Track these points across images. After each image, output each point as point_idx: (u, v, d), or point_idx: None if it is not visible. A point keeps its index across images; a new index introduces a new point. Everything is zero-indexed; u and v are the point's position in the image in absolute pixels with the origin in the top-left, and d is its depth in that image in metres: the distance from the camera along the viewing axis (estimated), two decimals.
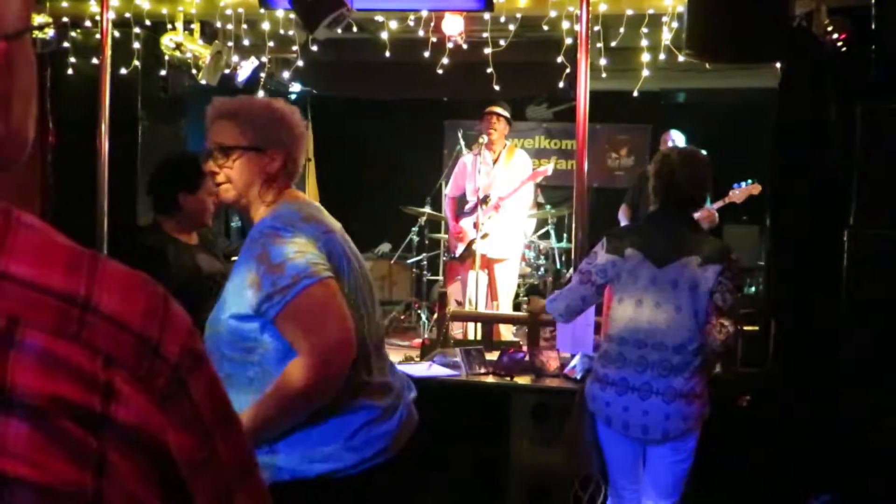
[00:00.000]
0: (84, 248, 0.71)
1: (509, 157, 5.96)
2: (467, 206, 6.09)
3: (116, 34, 5.19)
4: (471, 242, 5.87)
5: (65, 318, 0.65)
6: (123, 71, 5.31)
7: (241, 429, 0.79)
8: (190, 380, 0.71)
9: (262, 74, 5.91)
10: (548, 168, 5.88)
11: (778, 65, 4.45)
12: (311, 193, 8.98)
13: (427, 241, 7.42)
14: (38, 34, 4.57)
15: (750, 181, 5.51)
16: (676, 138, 5.85)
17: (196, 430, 0.72)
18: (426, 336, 6.38)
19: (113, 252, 4.41)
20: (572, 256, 4.97)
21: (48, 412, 0.62)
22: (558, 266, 7.10)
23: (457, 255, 6.06)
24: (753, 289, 6.37)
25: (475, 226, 5.71)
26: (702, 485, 3.13)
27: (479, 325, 5.33)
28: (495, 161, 5.90)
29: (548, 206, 7.25)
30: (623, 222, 5.97)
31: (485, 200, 5.76)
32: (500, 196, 5.81)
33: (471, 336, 5.47)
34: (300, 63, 5.63)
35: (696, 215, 5.53)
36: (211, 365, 0.75)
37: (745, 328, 4.67)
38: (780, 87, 4.36)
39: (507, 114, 5.91)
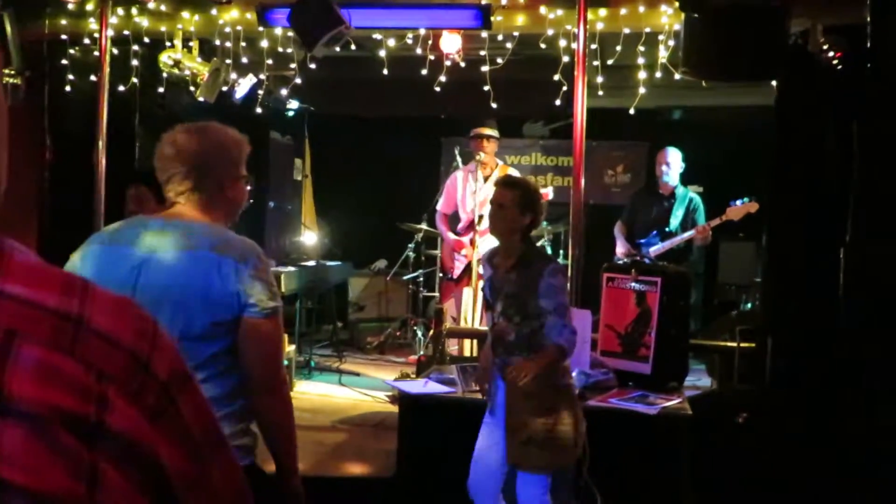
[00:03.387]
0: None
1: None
2: (459, 226, 6.08)
3: (115, 51, 5.21)
4: (467, 266, 5.86)
5: (59, 332, 0.66)
6: (121, 88, 5.33)
7: (231, 454, 0.81)
8: (180, 399, 0.72)
9: (260, 92, 5.93)
10: (548, 191, 5.82)
11: (774, 83, 4.47)
12: (308, 210, 8.99)
13: (423, 258, 7.41)
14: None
15: (747, 199, 5.51)
16: (672, 156, 5.86)
17: (188, 448, 0.73)
18: (422, 353, 6.37)
19: None
20: (569, 273, 4.97)
21: (45, 420, 0.63)
22: None
23: (454, 277, 6.04)
24: (750, 305, 6.37)
25: (472, 243, 5.70)
26: (700, 502, 3.12)
27: (474, 341, 5.32)
28: (486, 179, 5.89)
29: (544, 223, 7.25)
30: (619, 240, 5.97)
31: (480, 220, 5.73)
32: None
33: (466, 353, 5.46)
34: (298, 80, 5.65)
35: (691, 232, 5.63)
36: (199, 388, 0.76)
37: (742, 345, 4.67)
38: (777, 105, 4.38)
39: (495, 134, 5.91)
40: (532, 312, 3.08)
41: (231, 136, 2.06)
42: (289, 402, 2.08)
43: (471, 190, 5.87)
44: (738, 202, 5.55)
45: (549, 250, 7.21)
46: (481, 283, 3.79)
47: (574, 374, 3.97)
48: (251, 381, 1.95)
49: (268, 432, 2.02)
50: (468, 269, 5.84)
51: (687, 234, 5.64)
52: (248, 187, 2.13)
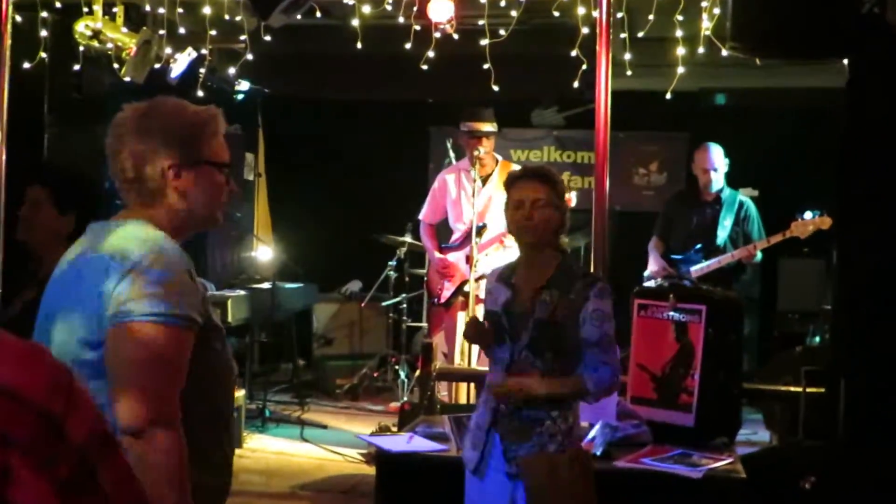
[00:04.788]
0: None
1: (503, 176, 5.95)
2: (453, 238, 6.06)
3: (18, 19, 5.18)
4: (461, 284, 5.83)
5: None
6: (27, 65, 5.30)
7: None
8: (100, 467, 0.72)
9: (202, 70, 5.92)
10: (571, 196, 5.79)
11: (845, 61, 4.48)
12: (262, 215, 8.98)
13: (408, 279, 7.41)
14: None
15: (818, 213, 5.51)
16: (715, 154, 5.87)
17: None
18: (405, 399, 6.34)
19: (10, 282, 4.36)
20: None
21: None
22: None
23: (442, 302, 6.02)
24: (818, 339, 6.37)
25: (468, 260, 5.68)
26: None
27: (471, 385, 5.30)
28: (486, 180, 5.87)
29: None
30: (653, 257, 5.98)
31: (480, 231, 5.71)
32: (502, 232, 5.74)
33: (462, 400, 5.44)
34: (249, 56, 5.64)
35: (736, 252, 5.63)
36: (122, 453, 0.77)
37: (809, 390, 4.66)
38: (848, 88, 4.38)
39: (492, 129, 5.90)
40: (570, 347, 3.06)
41: (184, 112, 2.08)
42: (173, 452, 1.84)
43: (467, 194, 5.86)
44: (806, 215, 5.56)
45: None
46: (481, 308, 3.76)
47: (596, 427, 3.96)
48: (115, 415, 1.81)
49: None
50: (461, 290, 5.83)
51: (737, 252, 5.66)
52: (222, 180, 2.11)
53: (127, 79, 5.43)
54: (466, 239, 5.78)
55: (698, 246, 5.80)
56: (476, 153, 5.71)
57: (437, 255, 6.07)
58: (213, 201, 2.11)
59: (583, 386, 3.03)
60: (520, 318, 3.11)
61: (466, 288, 5.74)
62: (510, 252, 5.74)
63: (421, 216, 6.26)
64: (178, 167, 2.04)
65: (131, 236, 1.97)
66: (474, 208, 5.63)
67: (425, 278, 6.65)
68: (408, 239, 7.08)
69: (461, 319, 5.80)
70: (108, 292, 1.88)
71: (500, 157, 6.08)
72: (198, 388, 1.93)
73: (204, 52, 5.77)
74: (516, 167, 5.97)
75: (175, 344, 1.87)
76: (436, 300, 6.10)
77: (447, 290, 6.00)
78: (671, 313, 4.18)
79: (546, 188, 3.14)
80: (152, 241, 1.96)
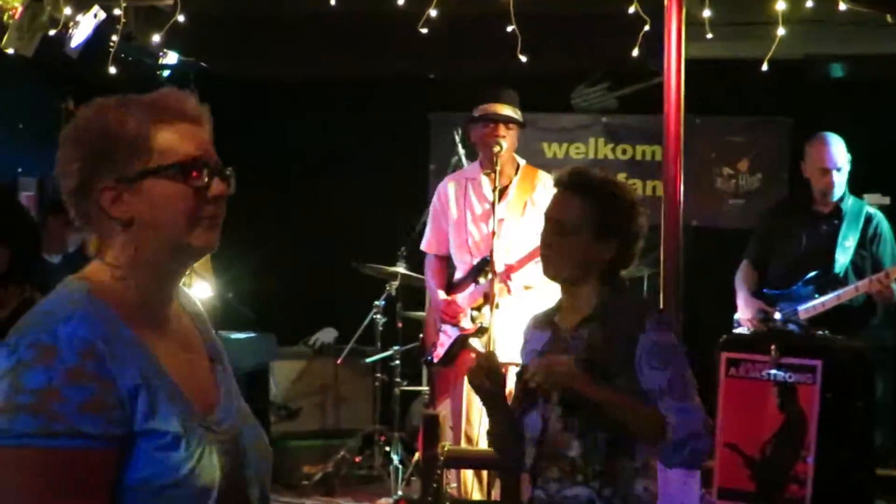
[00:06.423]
0: None
1: (525, 188, 5.90)
2: (457, 275, 5.99)
3: None
4: (458, 340, 5.78)
5: None
6: None
7: None
8: None
9: (114, 39, 5.92)
10: None
11: None
12: None
13: (401, 325, 7.38)
14: None
15: None
16: (836, 147, 5.84)
17: None
18: (400, 495, 6.30)
19: None
20: None
21: None
22: None
23: (433, 360, 5.98)
24: None
25: (488, 299, 5.64)
26: None
27: (494, 476, 5.27)
28: (502, 194, 5.81)
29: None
30: (742, 292, 5.94)
31: (482, 267, 5.67)
32: (508, 263, 5.68)
33: (476, 496, 5.43)
34: (180, 18, 5.65)
35: (862, 284, 5.59)
36: None
37: None
38: None
39: (516, 116, 5.86)
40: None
41: (114, 104, 2.09)
42: None
43: (474, 213, 5.82)
44: None
45: None
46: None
47: None
48: None
49: None
50: (463, 343, 5.79)
51: (864, 284, 5.61)
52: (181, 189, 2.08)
53: (10, 51, 5.43)
54: (477, 271, 5.73)
55: (809, 276, 5.76)
56: (496, 148, 5.67)
57: (441, 295, 5.98)
58: (178, 220, 2.08)
59: (658, 418, 2.99)
60: None
61: (472, 340, 5.70)
62: (541, 294, 5.70)
63: (423, 245, 6.19)
64: (115, 188, 2.05)
65: (38, 310, 2.02)
66: (489, 227, 5.59)
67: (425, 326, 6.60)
68: (401, 269, 7.04)
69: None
70: None
71: (521, 161, 6.00)
72: None
73: (117, 12, 5.78)
74: (546, 178, 5.95)
75: (66, 473, 1.89)
76: (429, 357, 6.04)
77: (442, 347, 5.93)
78: (773, 371, 4.16)
79: (580, 204, 3.14)
80: (43, 323, 1.97)
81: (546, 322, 3.29)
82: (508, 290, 5.65)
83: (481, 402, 3.40)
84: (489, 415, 3.37)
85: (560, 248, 3.13)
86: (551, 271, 3.20)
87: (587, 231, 3.11)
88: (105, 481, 1.91)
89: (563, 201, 3.17)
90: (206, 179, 2.13)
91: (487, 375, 3.21)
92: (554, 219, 3.16)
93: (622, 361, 3.03)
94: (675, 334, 3.13)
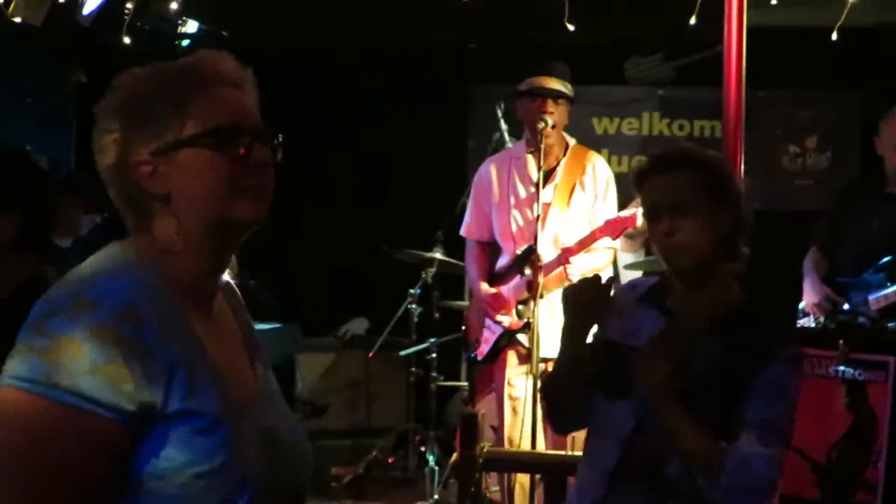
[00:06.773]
0: None
1: (574, 170, 5.87)
2: (500, 264, 5.99)
3: None
4: (504, 335, 5.77)
5: None
6: None
7: None
8: None
9: (129, 6, 5.96)
10: (636, 213, 5.66)
11: None
12: None
13: (438, 315, 7.40)
14: None
15: None
16: None
17: None
18: (436, 498, 6.33)
19: None
20: None
21: None
22: None
23: (478, 357, 5.97)
24: None
25: (531, 289, 5.61)
26: None
27: (538, 479, 5.29)
28: (548, 176, 5.78)
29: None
30: (810, 280, 5.92)
31: (526, 256, 5.64)
32: (567, 247, 5.63)
33: (519, 501, 5.47)
34: None
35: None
36: None
37: None
38: None
39: (567, 90, 5.84)
40: (720, 424, 3.03)
41: (149, 71, 2.13)
42: None
43: (518, 196, 5.81)
44: None
45: None
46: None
47: None
48: None
49: None
50: (511, 337, 5.78)
51: None
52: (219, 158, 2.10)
53: (17, 20, 5.47)
54: (522, 260, 5.72)
55: (881, 262, 5.73)
56: (541, 125, 5.67)
57: (485, 287, 5.96)
58: (216, 191, 2.10)
59: (717, 456, 2.98)
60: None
61: (518, 335, 5.70)
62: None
63: (463, 230, 6.19)
64: (151, 162, 2.07)
65: (82, 267, 2.05)
66: (534, 212, 5.57)
67: (466, 317, 6.59)
68: (438, 255, 7.06)
69: (516, 374, 5.75)
70: None
71: (571, 140, 5.99)
72: None
73: None
74: (600, 162, 5.93)
75: (58, 430, 1.87)
76: (474, 355, 6.03)
77: (487, 344, 5.92)
78: (841, 368, 4.16)
79: (691, 181, 3.15)
80: (89, 276, 2.00)
81: (656, 302, 3.28)
82: (567, 277, 5.63)
83: (564, 322, 3.36)
84: (565, 341, 3.37)
85: (685, 230, 3.12)
86: (682, 262, 3.16)
87: (703, 204, 3.13)
88: (103, 457, 1.89)
89: (666, 183, 3.18)
90: (247, 146, 2.14)
91: (591, 292, 3.29)
92: (666, 203, 3.15)
93: (732, 390, 3.03)
94: (797, 377, 3.14)
